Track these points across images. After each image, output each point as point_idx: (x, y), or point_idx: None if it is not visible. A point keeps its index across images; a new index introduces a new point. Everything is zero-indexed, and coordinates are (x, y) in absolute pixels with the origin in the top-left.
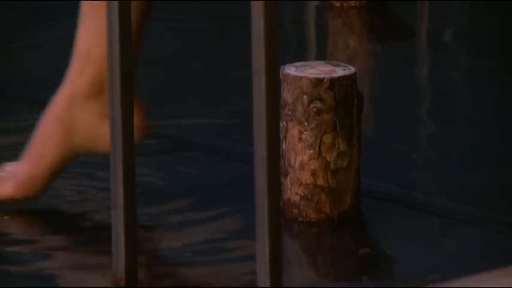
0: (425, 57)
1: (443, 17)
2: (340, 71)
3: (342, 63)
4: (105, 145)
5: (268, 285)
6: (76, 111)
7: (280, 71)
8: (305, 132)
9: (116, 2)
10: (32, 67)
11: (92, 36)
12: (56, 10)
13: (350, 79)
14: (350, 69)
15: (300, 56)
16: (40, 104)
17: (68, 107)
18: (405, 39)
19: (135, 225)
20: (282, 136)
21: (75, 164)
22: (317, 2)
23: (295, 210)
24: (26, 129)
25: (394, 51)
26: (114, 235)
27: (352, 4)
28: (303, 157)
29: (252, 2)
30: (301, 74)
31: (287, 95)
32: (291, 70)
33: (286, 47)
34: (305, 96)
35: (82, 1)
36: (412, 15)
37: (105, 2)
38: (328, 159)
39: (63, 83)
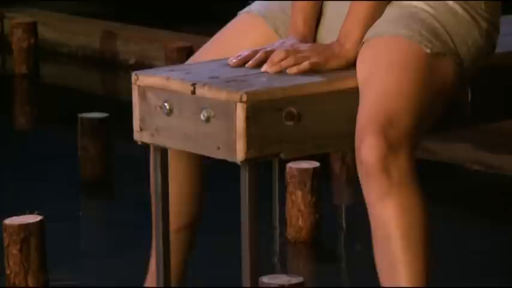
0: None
1: None
2: (294, 280)
3: (294, 275)
4: None
5: None
6: None
7: (259, 280)
8: None
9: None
10: None
11: None
12: None
13: (301, 286)
14: (299, 279)
15: (274, 271)
16: None
17: None
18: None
19: None
20: None
21: None
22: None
23: None
24: None
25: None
26: None
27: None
28: None
29: (242, 232)
30: (272, 281)
31: None
32: (265, 279)
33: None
34: None
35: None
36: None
37: None
38: None
39: None
